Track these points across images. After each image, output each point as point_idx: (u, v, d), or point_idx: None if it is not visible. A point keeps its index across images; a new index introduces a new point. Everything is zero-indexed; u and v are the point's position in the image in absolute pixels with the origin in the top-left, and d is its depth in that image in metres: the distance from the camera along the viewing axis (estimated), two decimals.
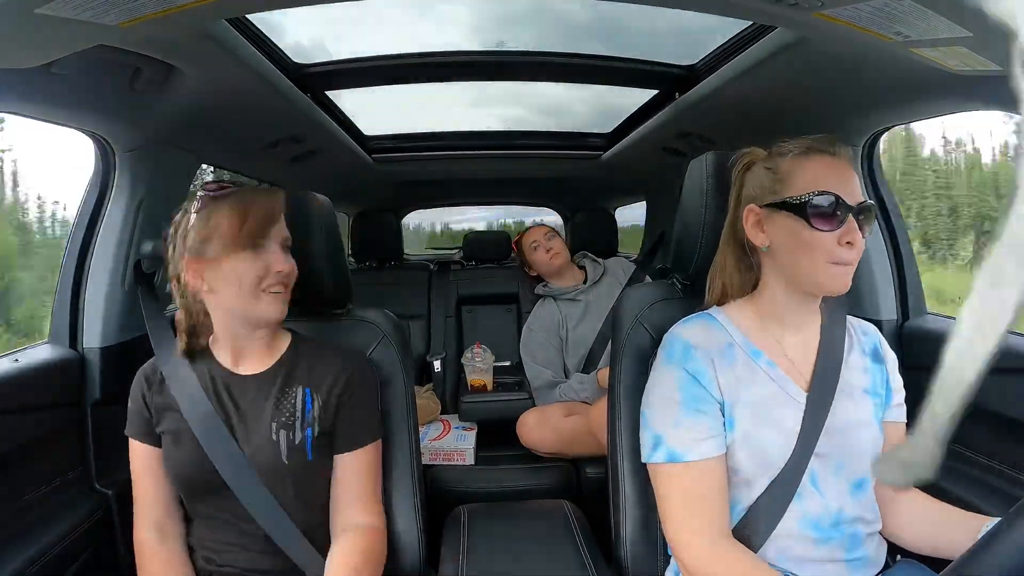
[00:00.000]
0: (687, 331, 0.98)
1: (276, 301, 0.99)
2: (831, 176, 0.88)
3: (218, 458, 0.97)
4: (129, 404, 1.06)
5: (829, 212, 0.86)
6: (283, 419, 1.01)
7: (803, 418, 0.91)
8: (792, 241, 0.90)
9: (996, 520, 0.84)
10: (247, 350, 1.06)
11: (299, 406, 1.02)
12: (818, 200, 0.87)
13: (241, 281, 0.96)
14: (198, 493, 1.00)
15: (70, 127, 1.17)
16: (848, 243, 0.86)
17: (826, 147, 0.90)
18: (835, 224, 0.86)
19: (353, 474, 1.05)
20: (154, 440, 1.04)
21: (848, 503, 0.92)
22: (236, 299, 0.98)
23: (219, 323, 1.04)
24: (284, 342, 1.10)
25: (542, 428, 2.02)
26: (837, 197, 0.86)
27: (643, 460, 0.96)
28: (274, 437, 0.99)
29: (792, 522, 0.90)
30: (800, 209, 0.88)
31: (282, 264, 0.99)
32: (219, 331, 1.05)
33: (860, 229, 0.87)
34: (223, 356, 1.06)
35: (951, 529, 0.91)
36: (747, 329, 0.97)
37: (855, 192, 0.88)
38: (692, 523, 0.90)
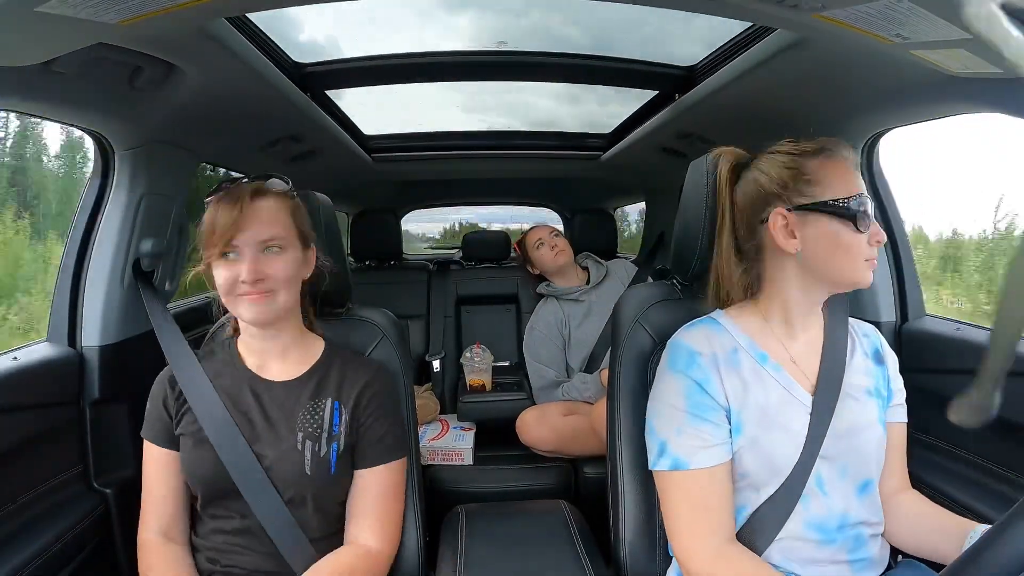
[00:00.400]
0: (691, 338, 0.97)
1: (252, 306, 0.96)
2: (853, 178, 0.91)
3: (231, 462, 0.97)
4: (148, 406, 1.06)
5: (868, 214, 0.89)
6: (310, 430, 1.00)
7: (809, 421, 0.91)
8: (832, 244, 0.90)
9: (983, 527, 0.85)
10: (271, 354, 1.06)
11: (327, 418, 1.02)
12: (858, 203, 0.88)
13: (220, 286, 0.97)
14: (214, 495, 1.00)
15: (70, 125, 1.17)
16: (877, 241, 0.89)
17: (841, 150, 0.92)
18: (868, 224, 0.89)
19: (370, 493, 1.04)
20: (171, 444, 1.03)
21: (853, 505, 0.92)
22: (225, 301, 0.99)
23: (240, 323, 1.06)
24: (317, 349, 1.10)
25: (541, 426, 2.02)
26: (870, 198, 0.90)
27: (649, 467, 0.97)
28: (299, 447, 0.99)
29: (797, 524, 0.91)
30: (845, 212, 0.88)
31: (249, 272, 0.94)
32: (241, 330, 1.07)
33: None
34: (250, 359, 1.07)
35: (937, 535, 0.92)
36: (752, 333, 0.97)
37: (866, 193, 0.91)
38: (696, 529, 0.90)
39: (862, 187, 0.90)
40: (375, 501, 1.04)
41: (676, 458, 0.91)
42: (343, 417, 1.02)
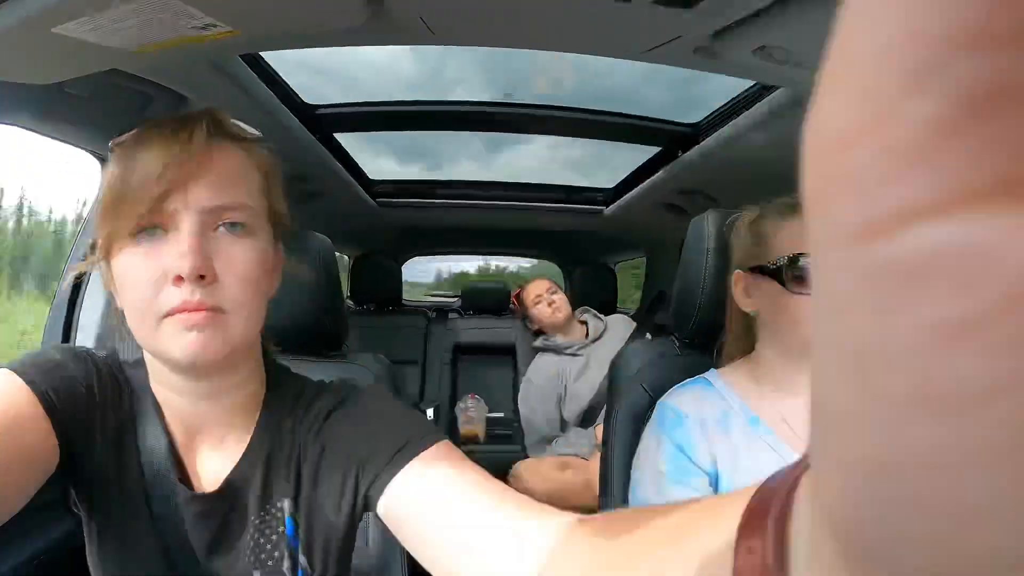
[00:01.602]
0: (680, 399, 0.95)
1: (189, 332, 0.50)
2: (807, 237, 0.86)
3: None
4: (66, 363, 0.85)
5: (806, 276, 0.84)
6: (267, 560, 0.57)
7: None
8: (775, 307, 0.87)
9: None
10: (206, 429, 0.59)
11: (283, 530, 0.58)
12: (799, 263, 0.83)
13: (131, 289, 0.51)
14: None
15: (76, 147, 1.17)
16: None
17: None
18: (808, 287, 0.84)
19: (455, 488, 0.56)
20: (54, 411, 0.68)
21: None
22: (133, 324, 0.53)
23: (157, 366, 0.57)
24: (252, 414, 0.61)
25: (533, 479, 1.96)
26: None
27: None
28: None
29: None
30: (777, 274, 0.85)
31: (190, 253, 0.49)
32: (159, 382, 0.58)
33: None
34: (173, 429, 0.59)
35: None
36: (745, 394, 0.94)
37: None
38: None
39: None
40: (474, 487, 0.56)
41: None
42: (300, 526, 0.59)
